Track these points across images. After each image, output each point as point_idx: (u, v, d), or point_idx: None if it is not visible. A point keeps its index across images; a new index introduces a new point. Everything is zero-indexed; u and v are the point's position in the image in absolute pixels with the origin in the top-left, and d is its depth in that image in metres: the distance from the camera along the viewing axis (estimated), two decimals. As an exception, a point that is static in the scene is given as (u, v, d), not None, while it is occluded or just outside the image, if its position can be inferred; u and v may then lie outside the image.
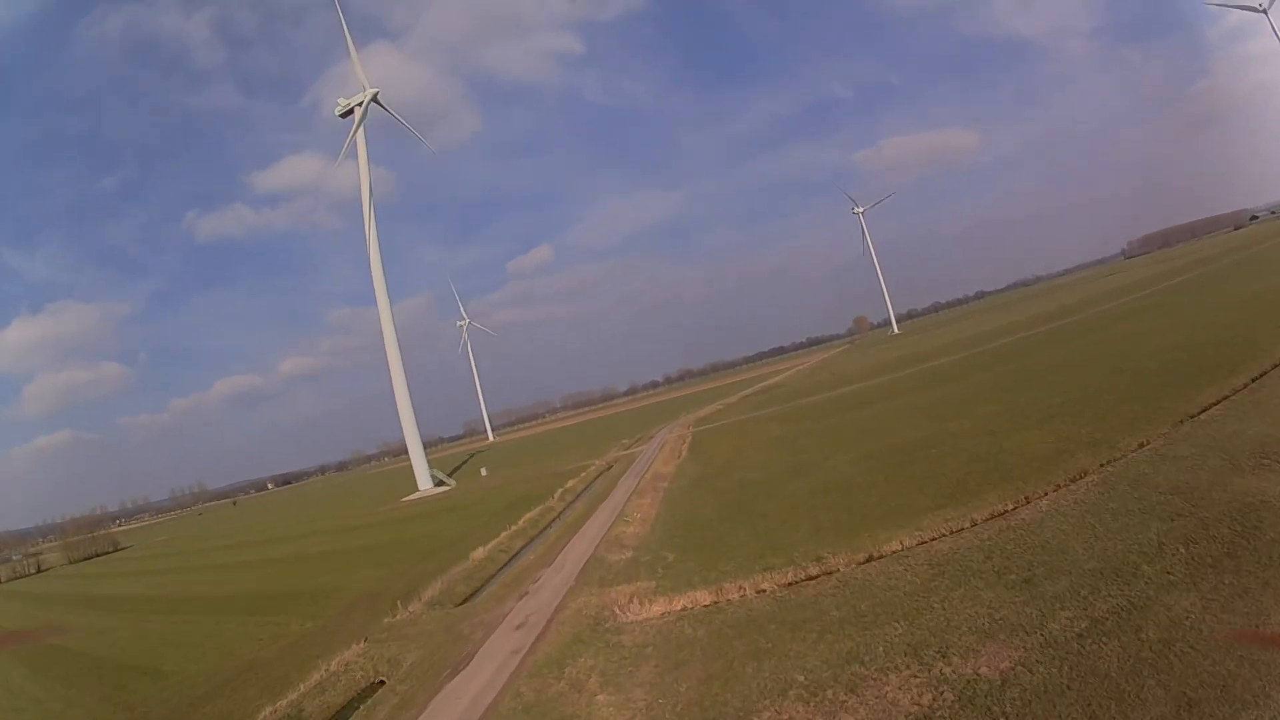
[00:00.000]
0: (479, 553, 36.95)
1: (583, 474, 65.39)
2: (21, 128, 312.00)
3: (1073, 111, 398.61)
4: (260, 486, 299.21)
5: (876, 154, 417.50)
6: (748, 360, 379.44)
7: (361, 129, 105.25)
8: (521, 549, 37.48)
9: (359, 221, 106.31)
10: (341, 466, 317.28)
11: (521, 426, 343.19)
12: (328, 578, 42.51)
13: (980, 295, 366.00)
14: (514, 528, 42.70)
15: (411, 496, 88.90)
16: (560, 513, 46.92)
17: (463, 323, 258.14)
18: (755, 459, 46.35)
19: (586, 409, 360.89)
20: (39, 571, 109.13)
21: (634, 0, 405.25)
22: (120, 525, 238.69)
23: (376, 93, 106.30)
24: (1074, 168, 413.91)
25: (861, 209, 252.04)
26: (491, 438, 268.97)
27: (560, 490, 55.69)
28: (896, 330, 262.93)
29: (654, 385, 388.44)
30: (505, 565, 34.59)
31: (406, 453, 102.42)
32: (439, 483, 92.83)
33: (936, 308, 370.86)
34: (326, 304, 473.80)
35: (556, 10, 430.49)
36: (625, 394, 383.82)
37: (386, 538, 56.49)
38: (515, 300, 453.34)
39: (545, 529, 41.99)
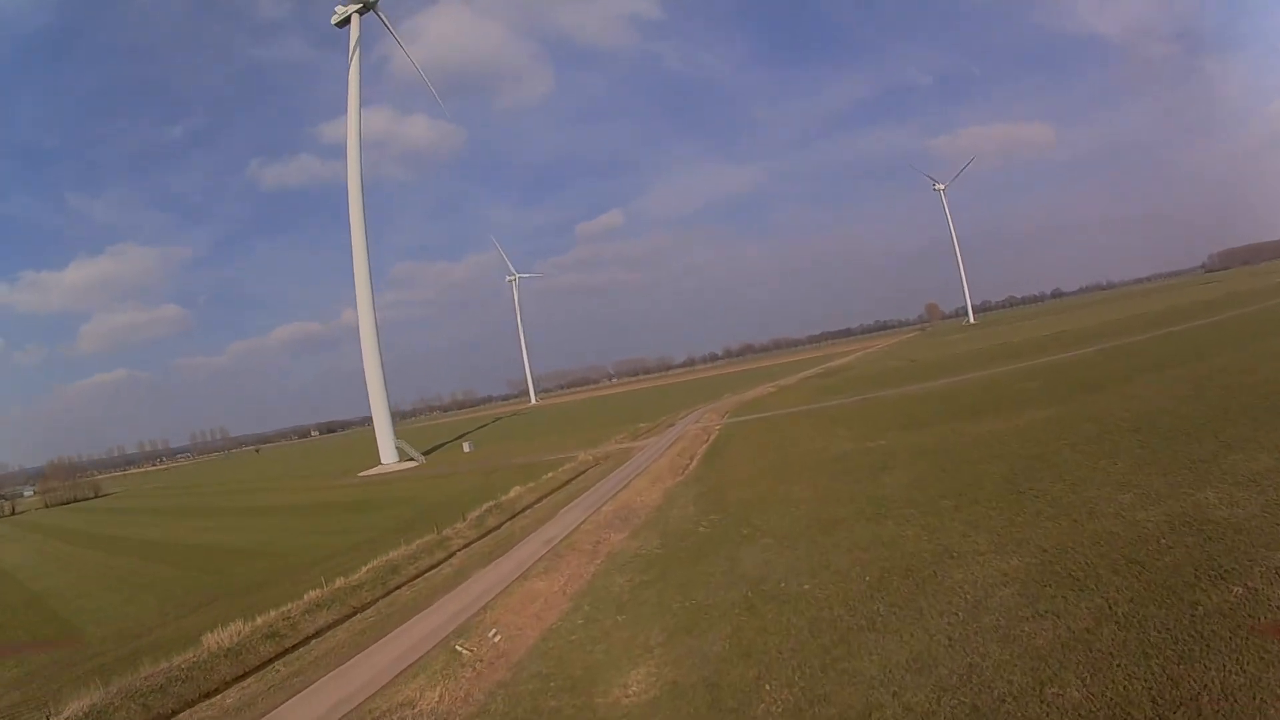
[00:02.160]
0: (234, 632, 21.48)
1: (549, 474, 49.41)
2: (93, 74, 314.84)
3: (1151, 117, 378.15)
4: (304, 433, 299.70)
5: (953, 141, 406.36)
6: (812, 339, 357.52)
7: (358, 48, 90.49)
8: (274, 657, 21.20)
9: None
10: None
11: (566, 391, 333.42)
12: (111, 597, 32.76)
13: (1057, 294, 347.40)
14: (349, 579, 27.00)
15: (370, 471, 76.41)
16: (441, 560, 30.76)
17: (511, 278, 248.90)
18: (798, 507, 25.51)
19: (640, 376, 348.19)
20: (13, 514, 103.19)
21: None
22: (161, 464, 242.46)
23: (376, 1, 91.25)
24: (1150, 174, 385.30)
25: (943, 185, 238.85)
26: (534, 400, 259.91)
27: (490, 504, 39.78)
28: (973, 320, 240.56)
29: (713, 358, 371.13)
30: (205, 696, 18.61)
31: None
32: (408, 457, 79.20)
33: (1011, 303, 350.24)
34: (390, 257, 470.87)
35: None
36: (681, 365, 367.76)
37: (273, 534, 45.70)
38: (582, 264, 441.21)
39: (372, 602, 25.69)
